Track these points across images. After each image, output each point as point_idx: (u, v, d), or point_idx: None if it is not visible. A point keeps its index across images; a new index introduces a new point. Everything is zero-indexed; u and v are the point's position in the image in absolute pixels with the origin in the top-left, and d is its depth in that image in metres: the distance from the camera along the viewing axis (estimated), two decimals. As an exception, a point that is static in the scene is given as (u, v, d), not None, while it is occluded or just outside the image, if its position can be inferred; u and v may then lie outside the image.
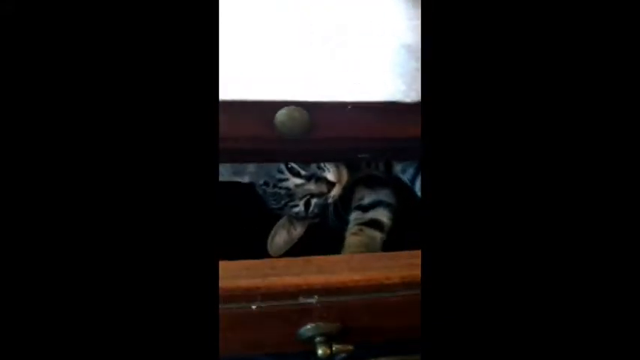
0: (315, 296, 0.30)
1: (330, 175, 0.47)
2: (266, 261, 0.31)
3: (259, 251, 0.48)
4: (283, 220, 0.51)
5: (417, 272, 0.32)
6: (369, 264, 0.32)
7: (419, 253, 0.34)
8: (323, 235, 0.52)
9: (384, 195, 0.55)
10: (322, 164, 0.47)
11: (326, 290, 0.30)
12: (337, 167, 0.48)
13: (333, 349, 0.35)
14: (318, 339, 0.35)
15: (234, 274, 0.29)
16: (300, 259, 0.31)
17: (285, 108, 0.31)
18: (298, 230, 0.52)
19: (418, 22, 0.48)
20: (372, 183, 0.56)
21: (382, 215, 0.52)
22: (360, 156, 0.42)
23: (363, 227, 0.50)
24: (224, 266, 0.28)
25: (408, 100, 0.34)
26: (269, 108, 0.31)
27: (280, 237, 0.50)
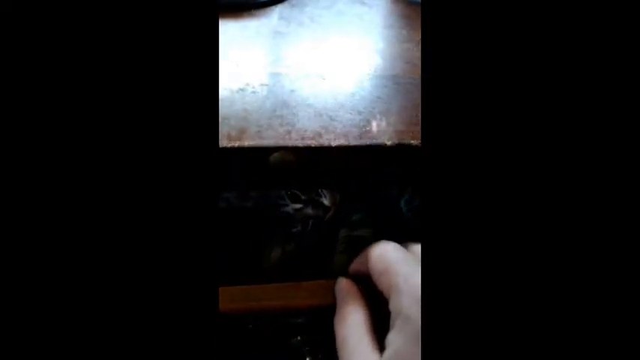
0: (302, 317, 0.35)
1: (327, 201, 0.53)
2: (259, 287, 0.36)
3: (255, 265, 0.53)
4: (279, 237, 0.55)
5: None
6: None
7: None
8: (315, 251, 0.57)
9: (370, 212, 0.59)
10: (319, 190, 0.52)
11: (312, 312, 0.35)
12: (332, 192, 0.53)
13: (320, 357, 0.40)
14: (306, 348, 0.40)
15: (232, 299, 0.34)
16: (290, 285, 0.36)
17: (278, 152, 0.36)
18: (292, 246, 0.57)
19: (408, 53, 0.51)
20: (359, 200, 0.61)
21: (367, 232, 0.57)
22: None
23: (350, 245, 0.55)
24: (222, 291, 0.32)
25: (389, 143, 0.38)
26: (263, 153, 0.36)
27: (275, 253, 0.55)
